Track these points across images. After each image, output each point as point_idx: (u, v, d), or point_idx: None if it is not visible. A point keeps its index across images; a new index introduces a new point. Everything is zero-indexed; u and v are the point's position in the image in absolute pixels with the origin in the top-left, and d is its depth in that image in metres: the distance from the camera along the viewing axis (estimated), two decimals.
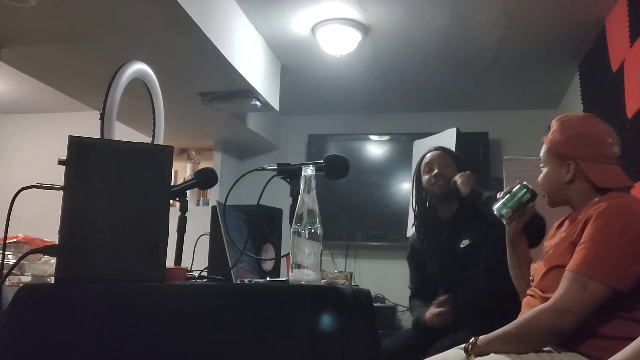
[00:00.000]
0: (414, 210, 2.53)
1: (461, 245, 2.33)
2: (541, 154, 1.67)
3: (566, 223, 1.66)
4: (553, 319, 1.38)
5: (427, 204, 2.47)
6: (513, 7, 3.16)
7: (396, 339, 2.48)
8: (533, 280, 1.62)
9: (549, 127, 1.67)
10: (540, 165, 1.67)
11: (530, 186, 1.71)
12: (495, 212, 1.75)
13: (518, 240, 1.79)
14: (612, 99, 2.93)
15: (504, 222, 1.77)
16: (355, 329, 1.36)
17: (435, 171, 2.39)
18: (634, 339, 1.38)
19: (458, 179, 2.33)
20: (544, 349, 1.44)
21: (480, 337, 1.48)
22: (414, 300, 2.53)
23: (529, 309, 1.54)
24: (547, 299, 1.49)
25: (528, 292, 1.63)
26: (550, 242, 1.67)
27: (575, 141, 1.58)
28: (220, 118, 4.14)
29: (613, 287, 1.36)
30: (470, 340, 1.49)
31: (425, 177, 2.44)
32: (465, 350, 1.49)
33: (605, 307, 1.37)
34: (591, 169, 1.55)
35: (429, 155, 2.47)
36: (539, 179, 1.68)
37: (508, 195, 1.73)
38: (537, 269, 1.61)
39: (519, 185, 1.73)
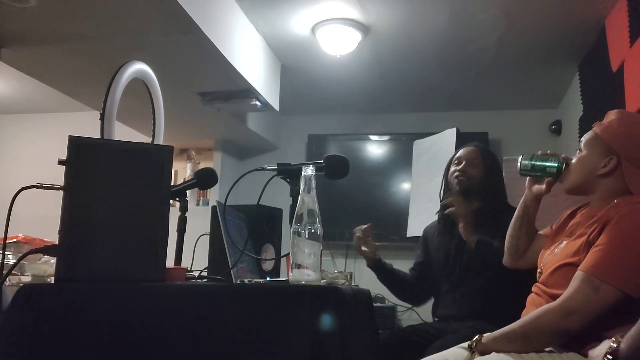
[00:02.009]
0: (440, 200, 2.54)
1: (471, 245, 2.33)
2: (585, 137, 1.62)
3: (579, 216, 1.63)
4: (560, 318, 1.37)
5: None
6: (513, 7, 3.16)
7: (395, 336, 2.48)
8: (541, 273, 1.60)
9: (586, 123, 1.61)
10: (579, 147, 1.62)
11: (564, 166, 1.64)
12: (518, 159, 1.72)
13: (531, 206, 1.75)
14: (612, 99, 2.93)
15: (519, 171, 1.73)
16: (355, 329, 1.36)
17: (461, 166, 2.40)
18: None
19: (460, 222, 2.31)
20: (546, 349, 1.44)
21: (484, 335, 1.48)
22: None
23: (534, 307, 1.53)
24: (552, 296, 1.49)
25: (533, 289, 1.61)
26: (562, 232, 1.65)
27: (631, 140, 1.53)
28: (220, 118, 4.14)
29: (626, 292, 1.35)
30: (475, 338, 1.48)
31: (451, 169, 2.46)
32: (470, 347, 1.48)
33: (613, 310, 1.36)
34: (630, 171, 1.51)
35: (463, 149, 2.49)
36: (572, 160, 1.63)
37: (543, 155, 1.68)
38: (547, 262, 1.58)
39: (557, 157, 1.67)
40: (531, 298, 1.60)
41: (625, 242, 1.39)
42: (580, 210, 1.67)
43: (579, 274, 1.40)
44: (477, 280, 2.27)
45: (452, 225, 2.42)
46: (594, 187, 1.57)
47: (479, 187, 2.36)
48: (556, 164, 1.66)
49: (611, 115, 1.59)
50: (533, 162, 1.69)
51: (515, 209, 1.84)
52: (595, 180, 1.56)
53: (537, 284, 1.60)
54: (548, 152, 1.70)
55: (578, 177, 1.60)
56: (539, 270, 1.63)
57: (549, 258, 1.59)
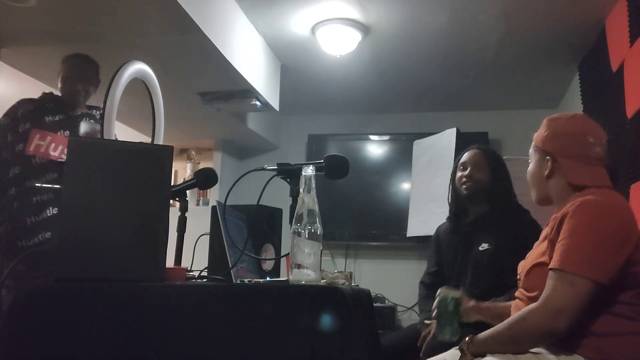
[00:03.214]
0: (449, 204, 2.55)
1: (480, 248, 2.33)
2: (530, 150, 1.72)
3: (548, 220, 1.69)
4: (547, 319, 1.38)
5: (458, 201, 2.50)
6: (513, 7, 3.16)
7: (396, 337, 2.49)
8: (520, 281, 1.64)
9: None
10: (529, 161, 1.72)
11: (446, 291, 1.67)
12: (447, 340, 1.70)
13: (489, 313, 1.80)
14: (612, 99, 2.93)
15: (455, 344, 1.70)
16: (355, 329, 1.36)
17: (467, 171, 2.41)
18: (623, 335, 1.40)
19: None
20: (542, 350, 1.44)
21: (475, 337, 1.48)
22: (422, 288, 2.55)
23: (517, 311, 1.55)
24: (531, 298, 1.51)
25: (516, 294, 1.65)
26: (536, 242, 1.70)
27: (556, 138, 1.62)
28: (220, 118, 4.14)
29: (598, 281, 1.37)
30: (466, 339, 1.49)
31: (458, 175, 2.47)
32: (461, 350, 1.49)
33: (593, 303, 1.38)
34: (567, 166, 1.58)
35: (467, 153, 2.50)
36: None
37: (440, 317, 1.69)
38: (522, 269, 1.63)
39: (438, 300, 1.67)
40: (515, 303, 1.63)
41: (584, 233, 1.42)
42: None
43: (551, 273, 1.42)
44: (485, 281, 2.27)
45: (461, 225, 2.43)
46: (547, 191, 1.64)
47: (486, 190, 2.37)
48: (448, 300, 1.67)
49: (543, 123, 1.68)
50: (451, 325, 1.68)
51: (524, 208, 1.85)
52: (546, 185, 1.63)
53: (518, 289, 1.64)
54: (433, 313, 1.73)
55: (535, 188, 1.68)
56: (517, 277, 1.67)
57: (523, 265, 1.63)
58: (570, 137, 1.61)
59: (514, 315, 1.47)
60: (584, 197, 1.50)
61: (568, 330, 1.37)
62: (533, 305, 1.42)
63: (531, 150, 1.71)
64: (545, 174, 1.62)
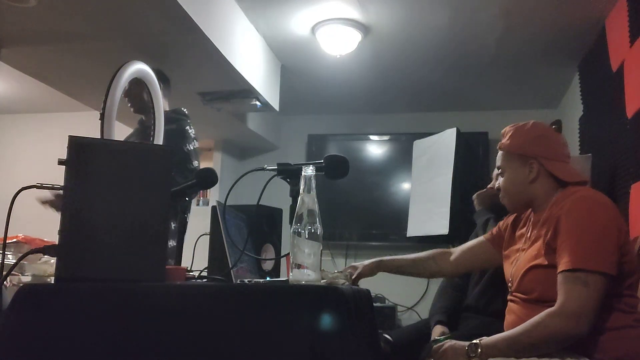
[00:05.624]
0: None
1: None
2: (498, 161, 1.72)
3: (525, 225, 1.70)
4: (568, 324, 1.38)
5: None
6: (513, 7, 3.16)
7: (405, 332, 2.50)
8: (512, 286, 1.64)
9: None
10: (498, 172, 1.72)
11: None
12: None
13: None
14: (612, 99, 2.93)
15: None
16: (355, 329, 1.36)
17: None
18: (619, 329, 1.40)
19: None
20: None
21: (483, 343, 1.47)
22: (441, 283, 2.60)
23: (513, 315, 1.56)
24: (527, 300, 1.52)
25: (509, 298, 1.64)
26: (516, 247, 1.69)
27: (537, 141, 1.64)
28: (220, 118, 4.14)
29: (608, 273, 1.39)
30: (474, 342, 1.47)
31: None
32: (468, 355, 1.46)
33: (604, 298, 1.40)
34: (553, 166, 1.61)
35: None
36: (501, 185, 1.72)
37: None
38: (514, 273, 1.62)
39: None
40: (509, 307, 1.63)
41: (585, 229, 1.45)
42: (521, 219, 1.74)
43: (562, 276, 1.42)
44: (494, 277, 2.29)
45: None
46: (530, 195, 1.65)
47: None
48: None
49: (507, 131, 1.71)
50: None
51: None
52: (529, 189, 1.65)
53: (512, 293, 1.64)
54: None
55: (515, 194, 1.68)
56: (509, 283, 1.67)
57: (514, 269, 1.64)
58: (550, 139, 1.65)
59: (530, 321, 1.44)
60: (571, 196, 1.53)
61: (590, 331, 1.38)
62: (550, 310, 1.41)
63: (503, 161, 1.70)
64: (531, 178, 1.63)
